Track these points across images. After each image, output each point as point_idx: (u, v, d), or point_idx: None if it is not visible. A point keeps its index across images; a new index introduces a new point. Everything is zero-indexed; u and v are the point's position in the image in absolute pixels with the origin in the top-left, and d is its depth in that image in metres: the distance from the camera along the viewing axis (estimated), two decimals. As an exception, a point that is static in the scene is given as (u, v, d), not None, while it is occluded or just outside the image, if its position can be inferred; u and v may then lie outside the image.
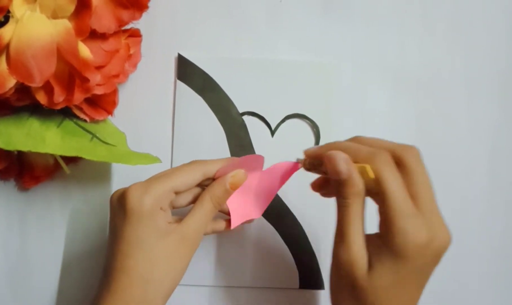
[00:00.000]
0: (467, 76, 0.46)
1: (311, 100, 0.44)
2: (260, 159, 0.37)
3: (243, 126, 0.44)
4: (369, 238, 0.31)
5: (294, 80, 0.45)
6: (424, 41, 0.46)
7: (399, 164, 0.31)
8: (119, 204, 0.34)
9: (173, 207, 0.36)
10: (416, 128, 0.45)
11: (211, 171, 0.35)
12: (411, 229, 0.29)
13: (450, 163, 0.45)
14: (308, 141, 0.44)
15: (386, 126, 0.45)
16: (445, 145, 0.45)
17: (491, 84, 0.46)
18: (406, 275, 0.30)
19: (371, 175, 0.30)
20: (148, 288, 0.33)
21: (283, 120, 0.44)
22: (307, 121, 0.44)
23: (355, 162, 0.31)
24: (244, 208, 0.38)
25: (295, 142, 0.44)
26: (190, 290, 0.43)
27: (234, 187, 0.36)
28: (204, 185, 0.36)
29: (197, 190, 0.37)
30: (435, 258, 0.30)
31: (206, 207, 0.35)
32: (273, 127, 0.44)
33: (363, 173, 0.31)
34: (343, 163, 0.31)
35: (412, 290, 0.31)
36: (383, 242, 0.30)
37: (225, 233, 0.43)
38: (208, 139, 0.44)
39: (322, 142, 0.44)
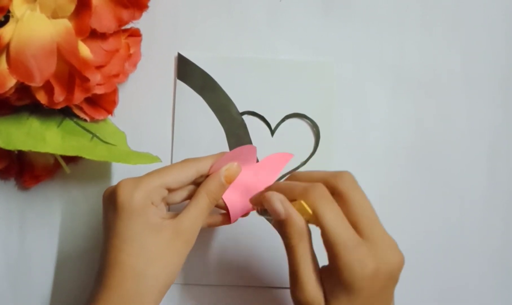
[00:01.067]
0: (467, 76, 0.46)
1: (311, 100, 0.44)
2: (253, 149, 0.37)
3: (243, 125, 0.44)
4: (323, 273, 0.31)
5: (294, 80, 0.45)
6: (424, 41, 0.46)
7: (335, 193, 0.31)
8: (110, 200, 0.34)
9: (168, 204, 0.36)
10: (415, 127, 0.45)
11: (204, 167, 0.35)
12: (356, 261, 0.28)
13: (449, 163, 0.45)
14: (308, 141, 0.44)
15: (386, 126, 0.45)
16: (444, 145, 0.45)
17: (490, 84, 0.46)
18: None
19: (309, 210, 0.30)
20: (142, 282, 0.32)
21: (283, 120, 0.44)
22: (307, 121, 0.44)
23: (293, 200, 0.31)
24: (242, 201, 0.38)
25: (295, 142, 0.44)
26: (189, 289, 0.43)
27: (229, 180, 0.36)
28: (199, 182, 0.36)
29: (192, 187, 0.36)
30: (389, 281, 0.30)
31: (201, 202, 0.35)
32: (273, 127, 0.44)
33: (302, 210, 0.30)
34: (278, 203, 0.31)
35: None
36: (334, 276, 0.29)
37: (223, 229, 0.43)
38: (208, 139, 0.44)
39: (322, 142, 0.44)
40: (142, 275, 0.32)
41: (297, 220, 0.31)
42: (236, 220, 0.38)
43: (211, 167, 0.35)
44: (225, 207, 0.38)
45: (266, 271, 0.43)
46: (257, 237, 0.43)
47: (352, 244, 0.29)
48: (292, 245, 0.31)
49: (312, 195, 0.30)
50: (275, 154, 0.37)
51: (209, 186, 0.35)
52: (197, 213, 0.34)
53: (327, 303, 0.30)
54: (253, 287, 0.43)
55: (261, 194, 0.34)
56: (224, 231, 0.43)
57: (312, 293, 0.30)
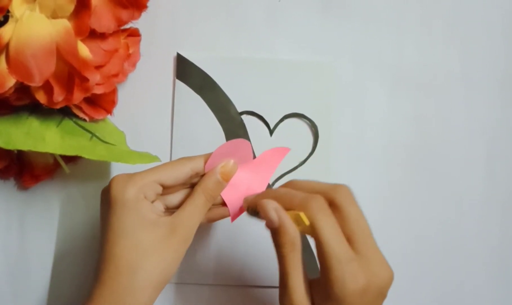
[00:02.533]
0: (466, 76, 0.46)
1: (310, 99, 0.45)
2: (247, 145, 0.36)
3: (242, 125, 0.44)
4: (313, 285, 0.31)
5: (292, 80, 0.45)
6: (423, 40, 0.46)
7: (332, 205, 0.31)
8: (105, 195, 0.34)
9: (167, 207, 0.36)
10: (414, 127, 0.45)
11: (198, 164, 0.35)
12: (348, 275, 0.29)
13: (448, 163, 0.45)
14: (306, 141, 0.44)
15: (385, 126, 0.45)
16: (443, 145, 0.45)
17: (489, 84, 0.46)
18: None
19: (306, 222, 0.30)
20: (135, 277, 0.32)
21: (281, 120, 0.44)
22: (306, 120, 0.44)
23: (290, 209, 0.31)
24: (241, 199, 0.37)
25: (293, 142, 0.44)
26: (190, 288, 0.43)
27: (226, 178, 0.36)
28: (196, 183, 0.36)
29: (189, 190, 0.36)
30: (379, 296, 0.31)
31: (197, 199, 0.35)
32: (271, 126, 0.44)
33: (298, 220, 0.30)
34: (273, 212, 0.31)
35: None
36: (324, 289, 0.30)
37: (220, 227, 0.43)
38: (207, 139, 0.44)
39: (320, 142, 0.44)
40: (136, 269, 0.32)
41: (290, 230, 0.31)
42: (236, 218, 0.38)
43: (206, 163, 0.35)
44: (224, 206, 0.38)
45: (266, 270, 0.43)
46: (258, 237, 0.43)
47: (346, 259, 0.29)
48: (283, 254, 0.31)
49: (311, 207, 0.30)
50: (271, 149, 0.37)
51: (205, 183, 0.35)
52: (193, 210, 0.34)
53: None
54: (253, 286, 0.43)
55: (257, 198, 0.34)
56: (221, 229, 0.43)
57: (300, 302, 0.31)
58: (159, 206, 0.35)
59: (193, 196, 0.35)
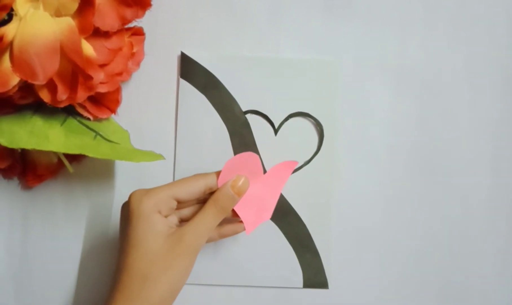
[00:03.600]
0: (470, 73, 0.46)
1: (314, 98, 0.44)
2: (256, 158, 0.38)
3: (246, 124, 0.44)
4: None
5: (297, 78, 0.44)
6: (426, 38, 0.46)
7: None
8: (124, 209, 0.36)
9: (181, 220, 0.38)
10: (418, 126, 0.45)
11: (212, 179, 0.37)
12: None
13: (452, 162, 0.45)
14: (311, 140, 0.44)
15: (390, 125, 0.45)
16: (447, 143, 0.45)
17: (493, 82, 0.46)
18: None
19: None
20: (145, 285, 0.34)
21: (286, 119, 0.44)
22: (311, 119, 0.44)
23: None
24: (255, 213, 0.39)
25: (298, 141, 0.44)
26: (192, 289, 0.43)
27: (238, 192, 0.37)
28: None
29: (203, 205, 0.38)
30: None
31: (208, 212, 0.36)
32: (276, 125, 0.44)
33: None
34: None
35: None
36: None
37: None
38: (211, 138, 0.44)
39: (325, 140, 0.44)
40: (146, 278, 0.34)
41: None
42: (251, 230, 0.39)
43: (219, 179, 0.37)
44: (239, 220, 0.39)
45: (270, 271, 0.43)
46: (261, 237, 0.43)
47: None
48: None
49: None
50: (281, 163, 0.40)
51: (217, 196, 0.37)
52: (202, 222, 0.36)
53: None
54: (256, 287, 0.43)
55: None
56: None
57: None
58: (173, 220, 0.37)
59: (204, 209, 0.37)
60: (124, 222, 0.36)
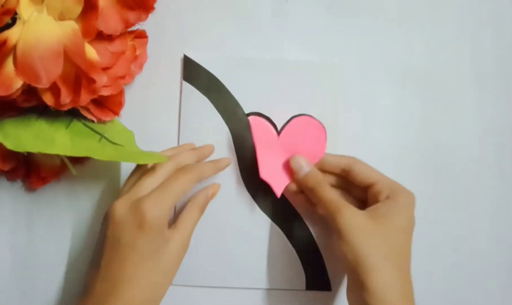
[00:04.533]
0: (474, 74, 0.45)
1: (317, 100, 0.44)
2: (264, 123, 0.43)
3: (247, 126, 0.44)
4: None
5: (300, 80, 0.44)
6: (431, 39, 0.46)
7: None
8: (134, 216, 0.34)
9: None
10: (423, 127, 0.45)
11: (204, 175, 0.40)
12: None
13: (457, 162, 0.45)
14: (314, 142, 0.44)
15: (393, 126, 0.45)
16: (452, 143, 0.45)
17: (499, 82, 0.45)
18: None
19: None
20: (155, 292, 0.36)
21: (288, 121, 0.44)
22: (313, 121, 0.44)
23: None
24: (279, 175, 0.42)
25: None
26: (196, 291, 0.43)
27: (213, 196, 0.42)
28: None
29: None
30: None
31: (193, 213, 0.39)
32: (279, 128, 0.44)
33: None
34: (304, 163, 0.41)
35: None
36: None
37: (219, 230, 0.43)
38: (214, 140, 0.44)
39: (328, 142, 0.44)
40: (157, 286, 0.35)
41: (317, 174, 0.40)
42: (281, 192, 0.41)
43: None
44: (267, 185, 0.41)
45: (273, 273, 0.43)
46: (264, 240, 0.43)
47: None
48: (314, 190, 0.39)
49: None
50: (290, 122, 0.42)
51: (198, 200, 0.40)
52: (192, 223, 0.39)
53: None
54: (259, 289, 0.43)
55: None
56: (219, 231, 0.43)
57: (332, 197, 0.38)
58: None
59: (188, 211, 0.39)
60: (133, 230, 0.34)
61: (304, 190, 0.41)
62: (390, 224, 0.36)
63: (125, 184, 0.39)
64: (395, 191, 0.38)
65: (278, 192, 0.41)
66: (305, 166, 0.40)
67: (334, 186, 0.42)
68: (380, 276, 0.34)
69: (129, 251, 0.34)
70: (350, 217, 0.36)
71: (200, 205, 0.40)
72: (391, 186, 0.38)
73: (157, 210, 0.34)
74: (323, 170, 0.41)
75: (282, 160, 0.42)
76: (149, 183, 0.36)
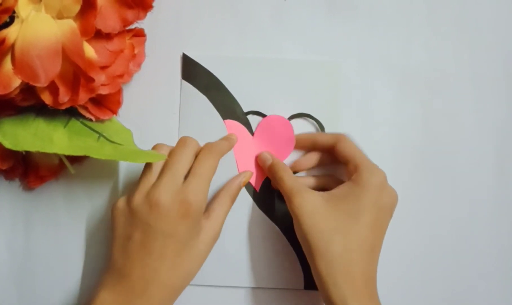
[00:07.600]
0: (474, 74, 0.46)
1: (316, 99, 0.44)
2: (238, 125, 0.44)
3: (248, 125, 0.44)
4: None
5: (299, 80, 0.44)
6: (430, 39, 0.46)
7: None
8: (180, 205, 0.35)
9: None
10: (422, 127, 0.45)
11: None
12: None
13: (456, 162, 0.45)
14: (313, 141, 0.44)
15: (392, 126, 0.45)
16: (451, 144, 0.45)
17: (498, 83, 0.46)
18: None
19: None
20: (186, 280, 0.37)
21: (288, 120, 0.44)
22: (312, 121, 0.44)
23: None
24: (257, 170, 0.44)
25: (300, 142, 0.44)
26: (195, 290, 0.43)
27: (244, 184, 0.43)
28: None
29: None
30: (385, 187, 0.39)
31: (226, 205, 0.40)
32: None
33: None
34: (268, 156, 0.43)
35: None
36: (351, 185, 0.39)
37: (229, 232, 0.43)
38: (213, 139, 0.44)
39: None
40: (189, 275, 0.37)
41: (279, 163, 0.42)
42: (259, 186, 0.43)
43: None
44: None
45: (271, 272, 0.43)
46: (262, 238, 0.43)
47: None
48: (276, 175, 0.40)
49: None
50: (263, 120, 0.44)
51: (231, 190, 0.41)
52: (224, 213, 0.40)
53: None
54: (257, 288, 0.43)
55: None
56: (223, 231, 0.43)
57: (293, 182, 0.39)
58: None
59: (222, 202, 0.40)
60: (177, 221, 0.35)
61: (272, 180, 0.42)
62: (344, 206, 0.36)
63: (144, 175, 0.38)
64: (361, 172, 0.37)
65: (257, 186, 0.43)
66: (269, 158, 0.42)
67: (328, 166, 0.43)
68: (322, 260, 0.35)
69: (170, 240, 0.35)
70: (303, 200, 0.37)
71: (233, 195, 0.41)
72: (360, 165, 0.38)
73: (200, 196, 0.35)
74: (316, 149, 0.42)
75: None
76: (181, 168, 0.37)
